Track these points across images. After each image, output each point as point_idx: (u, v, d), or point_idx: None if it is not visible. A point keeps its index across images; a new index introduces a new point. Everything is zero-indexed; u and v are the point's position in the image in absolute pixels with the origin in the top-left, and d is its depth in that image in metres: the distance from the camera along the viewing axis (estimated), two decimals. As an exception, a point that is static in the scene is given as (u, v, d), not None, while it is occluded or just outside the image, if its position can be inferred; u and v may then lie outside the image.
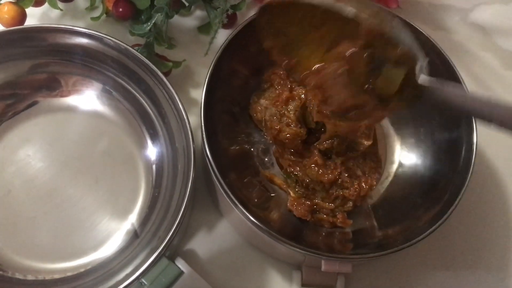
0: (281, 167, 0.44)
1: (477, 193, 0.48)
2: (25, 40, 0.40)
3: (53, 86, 0.43)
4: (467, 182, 0.39)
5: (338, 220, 0.42)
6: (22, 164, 0.42)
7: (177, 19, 0.51)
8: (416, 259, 0.45)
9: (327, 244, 0.41)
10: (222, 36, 0.49)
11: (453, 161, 0.42)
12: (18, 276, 0.39)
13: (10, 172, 0.42)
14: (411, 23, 0.44)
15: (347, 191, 0.42)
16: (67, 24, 0.40)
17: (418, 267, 0.45)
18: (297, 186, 0.43)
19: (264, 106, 0.44)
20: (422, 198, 0.42)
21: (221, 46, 0.41)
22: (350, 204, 0.42)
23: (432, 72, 0.43)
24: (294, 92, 0.43)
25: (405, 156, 0.46)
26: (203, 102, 0.39)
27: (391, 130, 0.47)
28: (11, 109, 0.43)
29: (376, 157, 0.45)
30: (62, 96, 0.43)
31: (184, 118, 0.39)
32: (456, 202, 0.39)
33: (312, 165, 0.41)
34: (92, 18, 0.48)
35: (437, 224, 0.38)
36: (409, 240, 0.38)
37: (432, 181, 0.43)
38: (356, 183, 0.42)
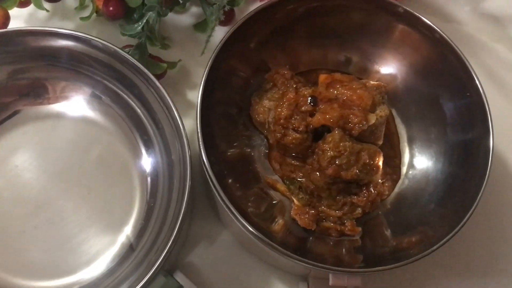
0: (282, 176, 0.41)
1: (494, 198, 0.45)
2: (5, 45, 0.38)
3: (38, 92, 0.41)
4: (483, 187, 0.37)
5: (347, 228, 0.39)
6: (10, 176, 0.40)
7: (171, 16, 0.49)
8: (431, 268, 0.43)
9: (335, 256, 0.38)
10: (219, 33, 0.46)
11: (468, 164, 0.39)
12: (6, 297, 0.37)
13: (-3, 184, 0.40)
14: (420, 16, 0.41)
15: (355, 197, 0.39)
16: (56, 25, 0.38)
17: (433, 277, 0.43)
18: (300, 193, 0.41)
19: (267, 107, 0.41)
20: (435, 204, 0.40)
21: (218, 45, 0.39)
22: (359, 210, 0.39)
23: (445, 67, 0.41)
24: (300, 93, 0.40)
25: (416, 158, 0.43)
26: (199, 105, 0.37)
27: (400, 130, 0.44)
28: (-7, 119, 0.41)
29: (393, 162, 0.42)
30: (49, 103, 0.41)
31: (179, 125, 0.36)
32: (473, 208, 0.36)
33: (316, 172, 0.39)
34: (82, 18, 0.45)
35: (453, 232, 0.36)
36: (423, 250, 0.35)
37: (445, 185, 0.40)
38: (364, 189, 0.40)
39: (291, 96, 0.40)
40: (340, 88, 0.39)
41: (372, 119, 0.39)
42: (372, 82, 0.41)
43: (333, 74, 0.41)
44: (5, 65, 0.39)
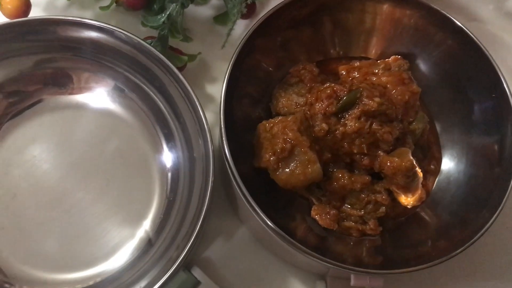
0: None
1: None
2: (31, 34, 0.37)
3: (63, 82, 0.40)
4: (508, 190, 0.36)
5: (368, 227, 0.38)
6: (28, 166, 0.40)
7: (190, 8, 0.48)
8: (453, 271, 0.42)
9: (355, 255, 0.38)
10: (239, 26, 0.46)
11: (491, 167, 0.39)
12: (26, 289, 0.36)
13: (15, 174, 0.39)
14: (445, 13, 0.41)
15: (379, 195, 0.39)
16: (74, 14, 0.37)
17: (456, 280, 0.42)
18: (320, 191, 0.40)
19: (295, 102, 0.41)
20: (457, 205, 0.39)
21: (242, 38, 0.38)
22: (383, 209, 0.39)
23: (470, 68, 0.41)
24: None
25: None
26: (223, 100, 0.37)
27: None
28: (15, 108, 0.40)
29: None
30: (71, 93, 0.41)
31: (201, 118, 0.36)
32: (497, 212, 0.36)
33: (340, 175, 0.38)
34: (101, 8, 0.45)
35: (477, 236, 0.35)
36: (446, 253, 0.35)
37: (468, 187, 0.40)
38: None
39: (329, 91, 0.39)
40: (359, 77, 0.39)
41: None
42: (390, 60, 0.40)
43: (352, 63, 0.40)
44: (33, 54, 0.38)
